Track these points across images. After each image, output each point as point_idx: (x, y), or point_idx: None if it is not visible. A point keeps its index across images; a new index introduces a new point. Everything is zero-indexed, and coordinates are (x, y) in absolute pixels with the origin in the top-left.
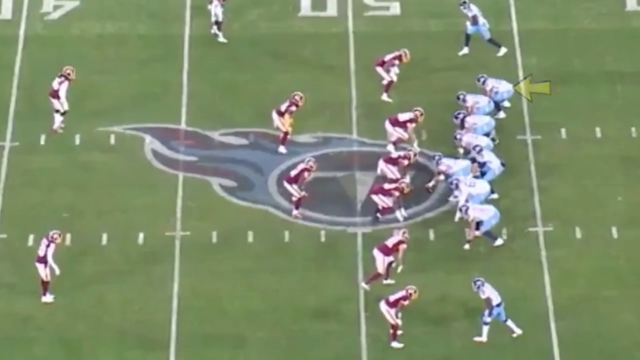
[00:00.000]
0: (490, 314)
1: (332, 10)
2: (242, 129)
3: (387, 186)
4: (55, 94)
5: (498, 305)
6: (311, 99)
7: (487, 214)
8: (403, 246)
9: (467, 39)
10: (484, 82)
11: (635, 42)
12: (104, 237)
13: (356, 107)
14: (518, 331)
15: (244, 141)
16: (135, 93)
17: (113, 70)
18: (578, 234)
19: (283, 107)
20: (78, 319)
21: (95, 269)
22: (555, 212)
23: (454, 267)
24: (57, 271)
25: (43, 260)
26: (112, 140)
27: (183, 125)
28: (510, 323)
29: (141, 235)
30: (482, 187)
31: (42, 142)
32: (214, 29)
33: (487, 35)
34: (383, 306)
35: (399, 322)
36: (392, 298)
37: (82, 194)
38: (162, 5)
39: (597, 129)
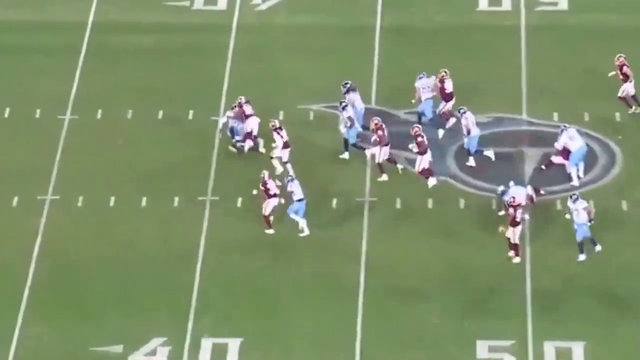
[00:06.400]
0: (294, 209)
1: (507, 5)
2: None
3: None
4: None
5: (299, 200)
6: (485, 84)
7: (476, 132)
8: None
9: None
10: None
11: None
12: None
13: (527, 92)
14: (306, 231)
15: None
16: (330, 76)
17: (311, 56)
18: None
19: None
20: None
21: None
22: None
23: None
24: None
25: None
26: (311, 117)
27: (373, 105)
28: (302, 221)
29: (334, 201)
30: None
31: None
32: None
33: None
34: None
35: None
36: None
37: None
38: None
39: None
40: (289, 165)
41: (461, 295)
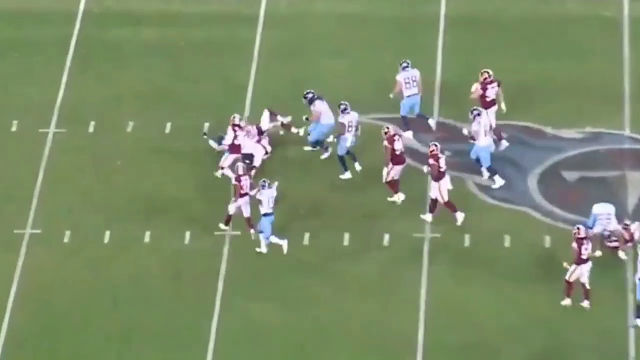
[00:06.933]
0: (261, 225)
1: None
2: (500, 122)
3: None
4: None
5: (265, 215)
6: (578, 90)
7: (487, 141)
8: None
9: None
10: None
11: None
12: (346, 237)
13: (630, 100)
14: (284, 246)
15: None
16: (380, 80)
17: (356, 54)
18: None
19: None
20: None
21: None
22: None
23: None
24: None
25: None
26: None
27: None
28: (273, 238)
29: (386, 237)
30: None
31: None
32: None
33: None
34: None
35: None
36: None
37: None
38: None
39: None
40: (226, 171)
41: (544, 358)
